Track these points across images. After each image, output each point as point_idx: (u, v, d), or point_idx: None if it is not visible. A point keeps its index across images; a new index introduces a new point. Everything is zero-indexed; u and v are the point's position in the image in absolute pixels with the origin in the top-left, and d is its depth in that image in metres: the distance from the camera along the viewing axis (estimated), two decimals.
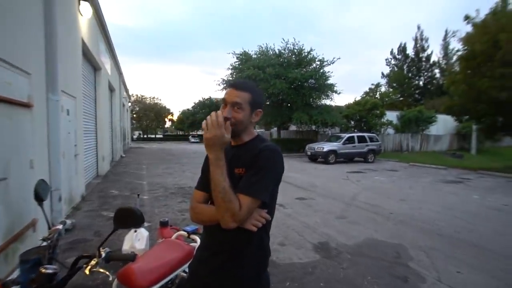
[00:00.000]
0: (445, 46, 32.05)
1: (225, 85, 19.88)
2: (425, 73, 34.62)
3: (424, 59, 34.32)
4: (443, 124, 22.07)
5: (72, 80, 5.25)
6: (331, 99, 19.19)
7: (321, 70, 18.29)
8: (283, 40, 19.11)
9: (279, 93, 17.37)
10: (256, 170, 1.04)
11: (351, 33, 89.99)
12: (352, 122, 20.23)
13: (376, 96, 31.60)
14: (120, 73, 14.85)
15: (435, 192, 7.38)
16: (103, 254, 1.18)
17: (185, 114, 45.05)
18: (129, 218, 1.19)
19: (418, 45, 34.47)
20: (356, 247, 3.71)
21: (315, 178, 9.18)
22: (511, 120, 11.16)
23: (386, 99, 30.76)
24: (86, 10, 6.03)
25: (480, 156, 17.35)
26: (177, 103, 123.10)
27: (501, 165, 12.20)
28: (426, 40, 34.16)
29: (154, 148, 24.95)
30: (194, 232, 2.09)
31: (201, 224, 1.19)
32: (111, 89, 12.13)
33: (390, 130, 20.90)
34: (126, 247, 2.70)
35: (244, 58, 19.04)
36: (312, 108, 18.31)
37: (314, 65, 18.62)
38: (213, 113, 0.99)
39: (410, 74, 34.98)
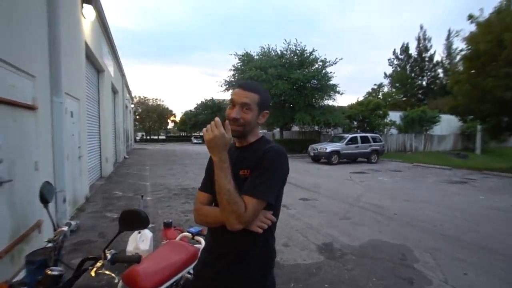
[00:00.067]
0: (448, 46, 31.81)
1: (227, 86, 19.91)
2: (428, 73, 34.38)
3: (427, 59, 34.09)
4: (447, 124, 21.92)
5: (75, 83, 5.28)
6: (334, 99, 19.17)
7: (324, 71, 18.26)
8: (285, 41, 19.14)
9: (281, 94, 17.37)
10: (261, 171, 1.04)
11: (352, 34, 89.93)
12: (355, 123, 20.17)
13: (379, 96, 31.44)
14: (122, 75, 14.93)
15: (439, 193, 7.31)
16: (109, 256, 1.18)
17: (187, 115, 45.21)
18: (134, 220, 1.19)
19: (421, 45, 34.28)
20: (360, 248, 3.69)
21: (318, 179, 9.15)
22: None
23: (389, 99, 30.59)
24: (89, 12, 6.06)
25: (485, 156, 17.20)
26: (180, 104, 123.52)
27: (506, 165, 12.07)
28: (429, 40, 33.97)
29: (157, 149, 25.05)
30: (199, 233, 2.09)
31: (205, 226, 1.18)
32: (114, 91, 12.19)
33: (393, 131, 20.81)
34: (130, 248, 2.71)
35: (246, 59, 19.06)
36: (314, 108, 18.28)
37: (317, 65, 18.58)
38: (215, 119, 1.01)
39: (413, 74, 34.76)
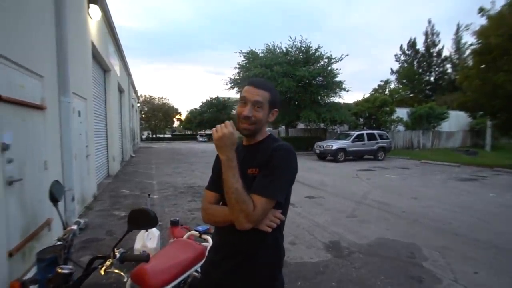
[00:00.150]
0: (457, 41, 31.12)
1: (232, 84, 19.89)
2: (436, 69, 33.72)
3: (435, 54, 33.40)
4: (456, 120, 21.54)
5: (82, 82, 5.34)
6: (340, 96, 19.00)
7: (329, 68, 18.10)
8: (290, 38, 19.01)
9: (287, 91, 17.27)
10: (270, 170, 1.02)
11: (359, 30, 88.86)
12: (361, 120, 19.97)
13: (386, 93, 31.03)
14: (128, 74, 15.06)
15: (448, 190, 7.20)
16: (118, 255, 1.18)
17: (193, 114, 45.38)
18: (143, 220, 1.19)
19: (428, 40, 33.58)
20: (368, 246, 3.65)
21: (325, 177, 9.10)
22: None
23: (396, 96, 30.15)
24: (95, 13, 6.11)
25: (495, 152, 16.86)
26: (185, 103, 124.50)
27: None
28: (437, 35, 33.22)
29: (163, 148, 25.24)
30: (206, 232, 2.09)
31: (214, 225, 1.18)
32: (120, 90, 12.30)
33: (401, 127, 20.53)
34: (138, 246, 2.74)
35: (252, 57, 19.00)
36: (320, 106, 18.15)
37: (322, 62, 18.43)
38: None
39: (420, 70, 34.14)
